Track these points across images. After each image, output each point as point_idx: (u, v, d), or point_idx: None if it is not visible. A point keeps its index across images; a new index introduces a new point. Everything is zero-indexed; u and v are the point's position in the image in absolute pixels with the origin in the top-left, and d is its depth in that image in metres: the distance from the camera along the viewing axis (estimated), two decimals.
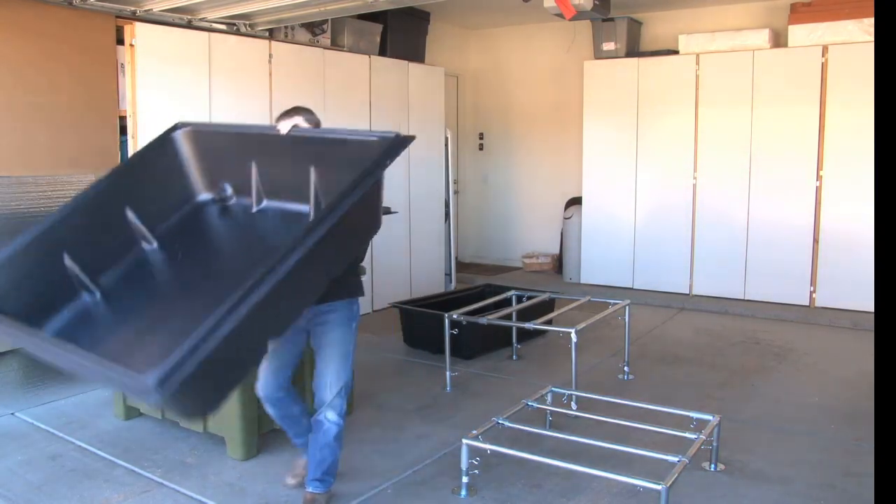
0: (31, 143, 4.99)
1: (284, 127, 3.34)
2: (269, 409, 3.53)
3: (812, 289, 7.38)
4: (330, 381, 3.36)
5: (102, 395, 4.97)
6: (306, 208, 3.16)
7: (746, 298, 7.69)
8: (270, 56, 6.34)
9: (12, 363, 5.01)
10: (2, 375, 4.96)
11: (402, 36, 7.88)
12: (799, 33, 7.25)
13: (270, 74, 6.35)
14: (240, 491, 3.74)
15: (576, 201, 8.85)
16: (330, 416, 3.37)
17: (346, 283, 3.36)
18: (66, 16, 5.11)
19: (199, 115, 5.77)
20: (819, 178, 7.23)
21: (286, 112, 3.45)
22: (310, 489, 3.50)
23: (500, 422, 3.86)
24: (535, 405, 4.17)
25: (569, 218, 8.85)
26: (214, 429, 4.20)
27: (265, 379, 3.44)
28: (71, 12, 5.12)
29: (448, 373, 5.29)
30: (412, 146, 4.26)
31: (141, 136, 5.38)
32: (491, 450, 3.60)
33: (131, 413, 4.67)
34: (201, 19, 5.88)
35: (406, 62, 7.81)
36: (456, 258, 8.65)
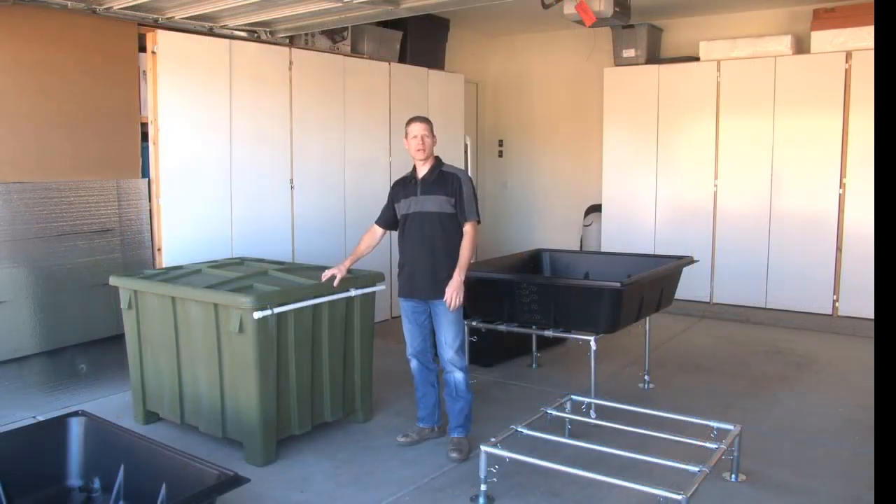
0: (54, 150, 5.04)
1: None
2: (413, 365, 4.47)
3: (835, 298, 7.29)
4: (446, 341, 4.25)
5: (122, 399, 5.00)
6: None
7: (768, 307, 7.60)
8: (291, 63, 6.37)
9: (34, 367, 5.05)
10: (24, 379, 5.01)
11: (421, 43, 7.90)
12: (821, 39, 7.18)
13: (291, 81, 6.38)
14: (258, 497, 3.74)
15: (595, 208, 8.81)
16: (453, 370, 4.29)
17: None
18: (89, 24, 5.16)
19: (220, 121, 5.82)
20: (843, 185, 7.15)
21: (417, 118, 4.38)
22: (455, 434, 4.36)
23: (518, 430, 3.84)
24: (555, 413, 4.15)
25: (588, 225, 8.81)
26: (233, 434, 4.21)
27: (410, 342, 4.42)
28: (94, 20, 5.17)
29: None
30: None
31: (162, 143, 5.43)
32: (510, 458, 3.58)
33: (150, 417, 4.70)
34: (222, 27, 5.92)
35: (426, 69, 7.82)
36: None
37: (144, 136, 5.46)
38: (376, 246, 4.53)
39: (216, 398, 4.23)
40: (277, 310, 4.00)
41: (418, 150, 4.25)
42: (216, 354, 4.15)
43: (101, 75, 5.23)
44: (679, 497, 3.06)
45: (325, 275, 4.35)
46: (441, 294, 4.17)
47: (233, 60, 5.89)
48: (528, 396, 5.24)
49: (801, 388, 5.51)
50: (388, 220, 4.47)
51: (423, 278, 4.24)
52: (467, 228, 4.23)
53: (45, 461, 3.60)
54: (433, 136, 4.30)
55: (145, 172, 5.48)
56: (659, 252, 7.77)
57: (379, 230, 4.50)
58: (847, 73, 7.05)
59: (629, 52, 8.24)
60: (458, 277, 4.14)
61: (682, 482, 3.18)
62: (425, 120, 4.32)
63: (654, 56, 8.28)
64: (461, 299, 4.15)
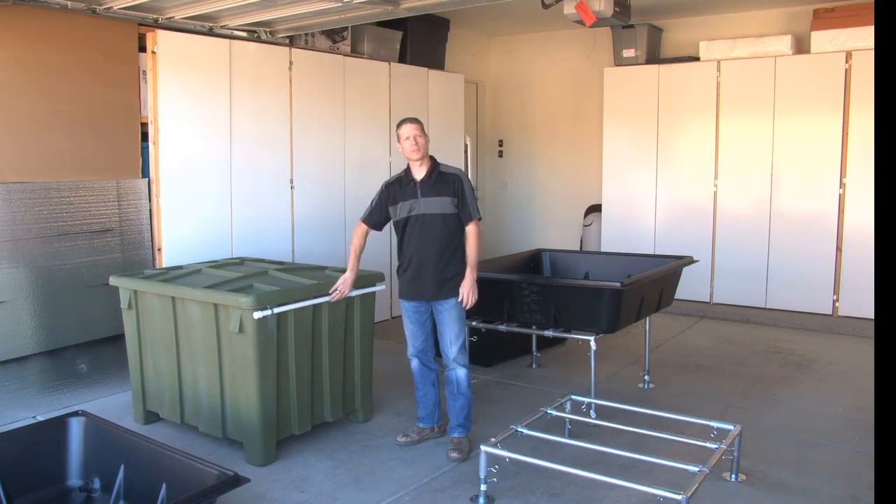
0: (54, 150, 5.04)
1: None
2: (414, 365, 4.44)
3: (835, 297, 7.29)
4: (450, 339, 4.24)
5: (123, 399, 4.99)
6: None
7: (768, 307, 7.60)
8: (291, 63, 6.37)
9: (34, 367, 5.05)
10: (24, 379, 5.01)
11: (421, 43, 7.90)
12: (821, 39, 7.18)
13: (291, 81, 6.37)
14: (258, 497, 3.74)
15: (595, 208, 8.81)
16: (456, 367, 4.29)
17: (454, 286, 4.21)
18: (90, 24, 5.16)
19: (220, 121, 5.82)
20: (843, 185, 7.15)
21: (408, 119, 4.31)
22: (455, 434, 4.35)
23: (518, 430, 3.84)
24: (555, 413, 4.15)
25: (588, 225, 8.81)
26: (233, 434, 4.21)
27: (412, 342, 4.39)
28: (94, 20, 5.17)
29: None
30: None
31: (162, 143, 5.43)
32: (510, 458, 3.58)
33: (150, 417, 4.70)
34: (222, 27, 5.92)
35: (426, 69, 7.82)
36: None
37: (144, 136, 5.46)
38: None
39: (216, 398, 4.22)
40: (277, 310, 4.00)
41: (414, 151, 4.19)
42: (216, 354, 4.15)
43: (101, 75, 5.23)
44: (679, 497, 3.06)
45: (335, 297, 4.30)
46: (446, 294, 4.19)
47: (233, 60, 5.89)
48: (528, 396, 5.24)
49: (801, 388, 5.50)
50: (378, 222, 4.42)
51: (428, 280, 4.22)
52: (471, 227, 4.21)
53: (45, 461, 3.60)
54: (425, 135, 4.26)
55: (145, 172, 5.48)
56: (659, 252, 7.78)
57: (366, 228, 4.43)
58: (847, 73, 7.05)
59: (629, 52, 8.23)
60: (471, 276, 4.16)
61: (682, 482, 3.18)
62: (416, 120, 4.28)
63: (654, 56, 8.28)
64: (476, 297, 4.17)
